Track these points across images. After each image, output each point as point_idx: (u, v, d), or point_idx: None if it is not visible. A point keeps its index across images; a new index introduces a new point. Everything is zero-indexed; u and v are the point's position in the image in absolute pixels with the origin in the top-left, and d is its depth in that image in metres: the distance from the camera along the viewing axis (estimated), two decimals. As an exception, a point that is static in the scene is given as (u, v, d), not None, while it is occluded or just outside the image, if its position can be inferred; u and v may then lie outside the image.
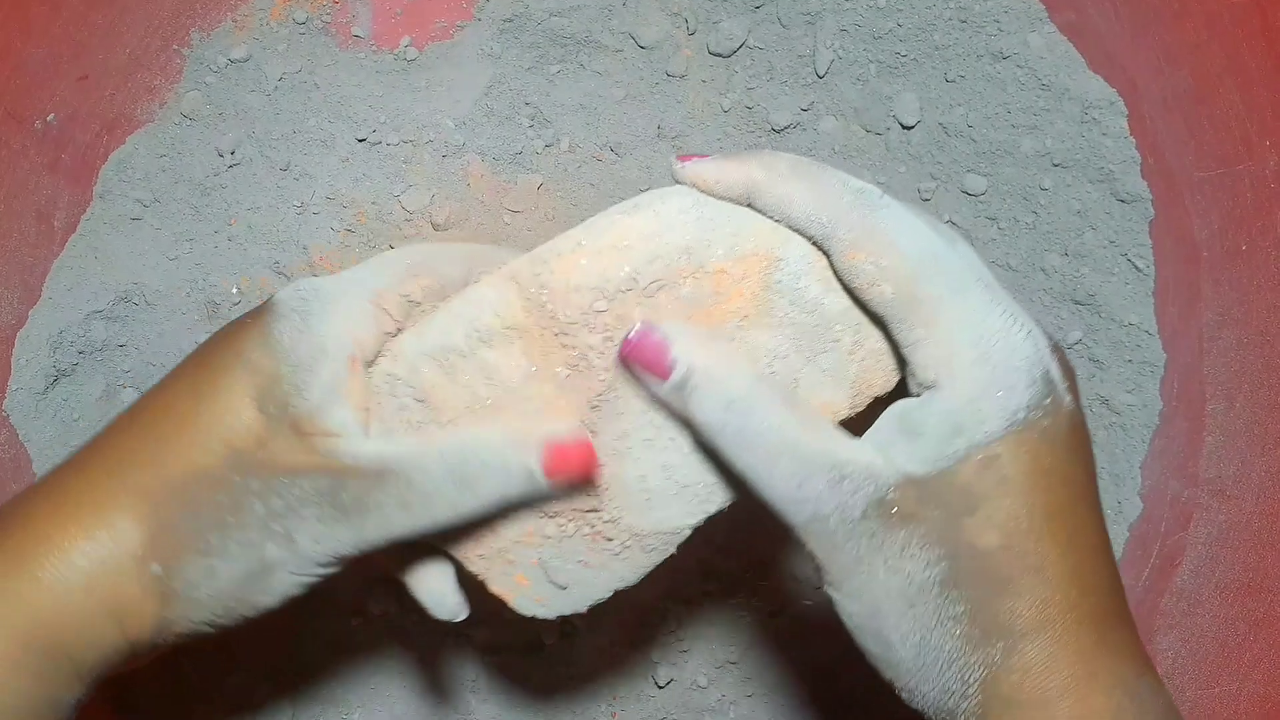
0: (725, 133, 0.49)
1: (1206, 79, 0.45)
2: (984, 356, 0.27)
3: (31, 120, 0.45)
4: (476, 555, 0.33)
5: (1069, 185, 0.48)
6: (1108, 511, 0.48)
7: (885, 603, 0.28)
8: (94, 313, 0.47)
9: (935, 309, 0.27)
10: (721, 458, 0.29)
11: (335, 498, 0.29)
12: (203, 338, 0.48)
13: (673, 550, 0.33)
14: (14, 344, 0.46)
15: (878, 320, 0.30)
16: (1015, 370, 0.27)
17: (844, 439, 0.28)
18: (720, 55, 0.49)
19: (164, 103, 0.48)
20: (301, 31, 0.48)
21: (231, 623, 0.30)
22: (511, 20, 0.48)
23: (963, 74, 0.48)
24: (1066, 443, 0.28)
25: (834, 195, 0.29)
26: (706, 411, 0.29)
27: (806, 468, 0.28)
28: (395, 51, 0.48)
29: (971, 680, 0.27)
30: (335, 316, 0.30)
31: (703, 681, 0.50)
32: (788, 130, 0.49)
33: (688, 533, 0.33)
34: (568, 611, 0.34)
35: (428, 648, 0.50)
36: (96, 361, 0.47)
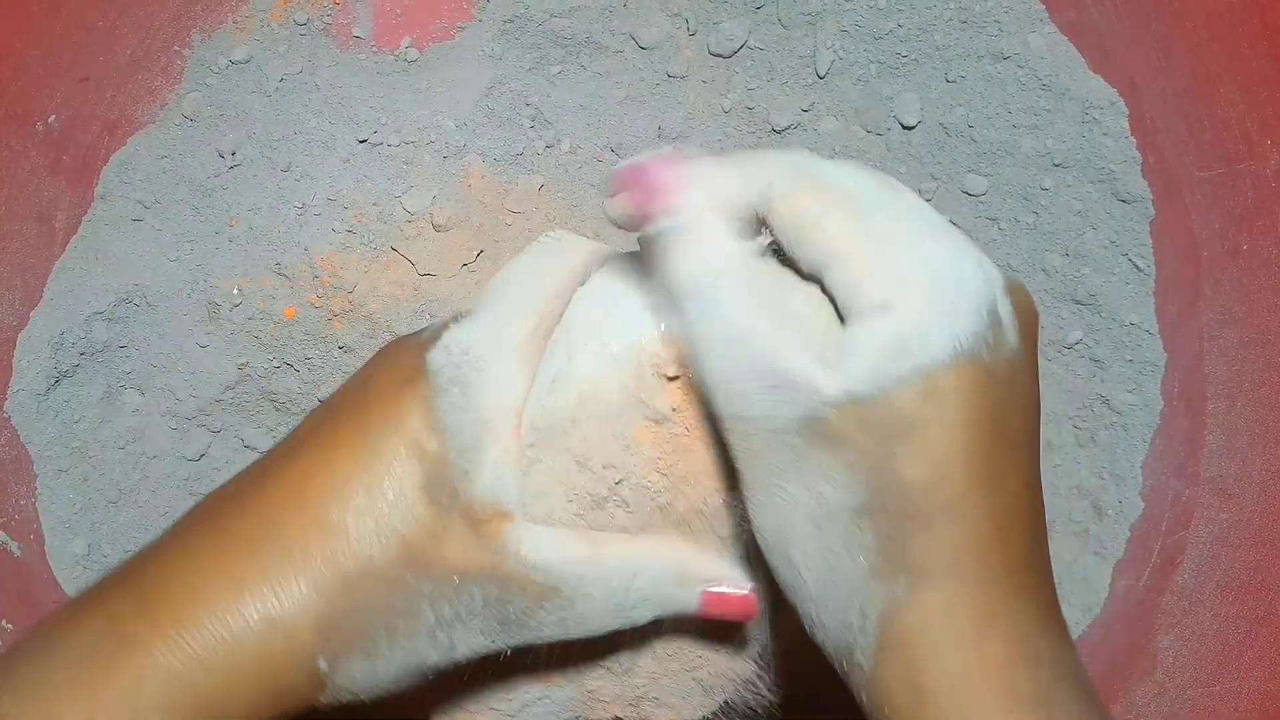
0: (726, 133, 0.49)
1: (1207, 78, 0.45)
2: (933, 280, 0.26)
3: (33, 122, 0.45)
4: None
5: (1069, 185, 0.48)
6: (1108, 512, 0.48)
7: (795, 523, 0.27)
8: (95, 314, 0.47)
9: (883, 237, 0.26)
10: (676, 320, 0.28)
11: (502, 611, 0.29)
12: (204, 338, 0.48)
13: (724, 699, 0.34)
14: (15, 345, 0.46)
15: (819, 269, 0.27)
16: (963, 297, 0.25)
17: (797, 347, 0.26)
18: (721, 56, 0.49)
19: (165, 104, 0.48)
20: (302, 33, 0.48)
21: (369, 701, 0.30)
22: (512, 21, 0.48)
23: (963, 74, 0.48)
24: (1009, 385, 0.26)
25: (769, 161, 0.28)
26: (679, 271, 0.27)
27: (748, 363, 0.26)
28: (396, 52, 0.49)
29: (870, 615, 0.26)
30: (494, 383, 0.29)
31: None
32: (788, 131, 0.49)
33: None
34: None
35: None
36: (98, 363, 0.48)
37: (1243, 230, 0.45)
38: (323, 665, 0.28)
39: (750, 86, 0.49)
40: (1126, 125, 0.47)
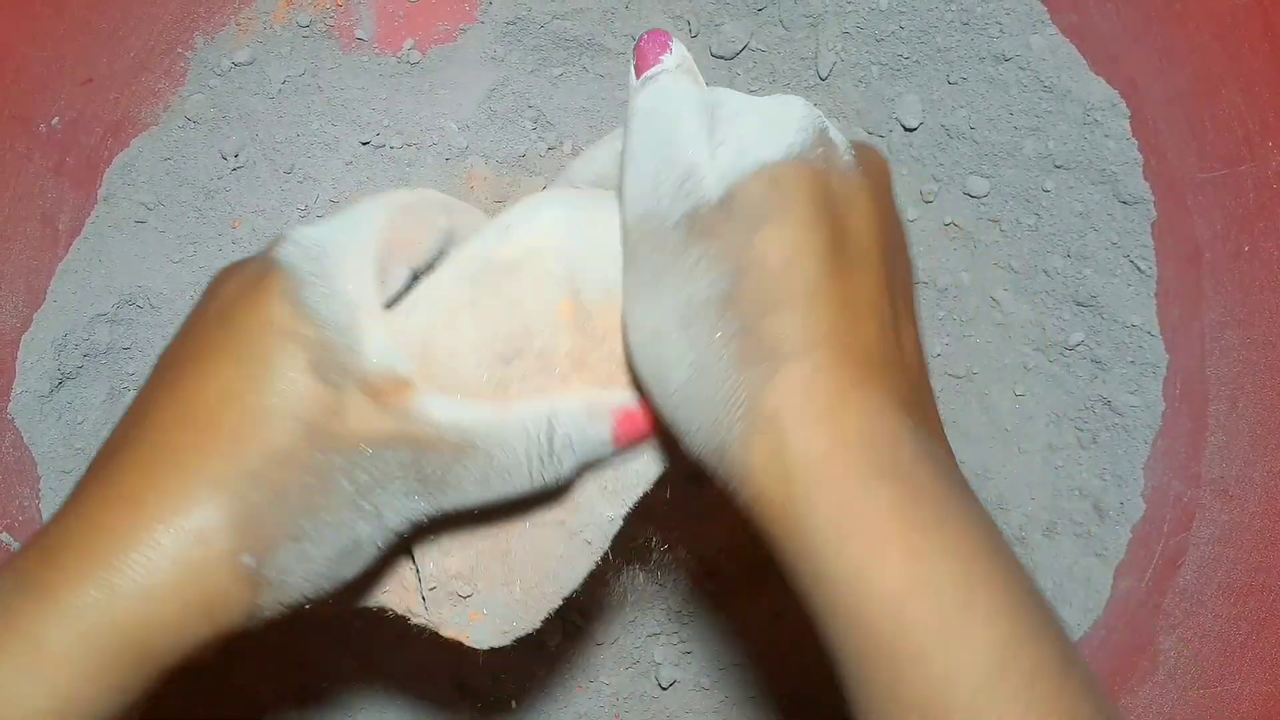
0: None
1: (1208, 80, 0.45)
2: (764, 108, 0.29)
3: (36, 124, 0.45)
4: (421, 607, 0.33)
5: (1071, 187, 0.48)
6: (1110, 513, 0.48)
7: (665, 323, 0.27)
8: (98, 316, 0.47)
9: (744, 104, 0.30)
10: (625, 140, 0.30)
11: (419, 470, 0.29)
12: (207, 341, 0.48)
13: (607, 545, 0.33)
14: (19, 347, 0.46)
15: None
16: (791, 119, 0.29)
17: (704, 148, 0.28)
18: (723, 58, 0.49)
19: (168, 106, 0.48)
20: (305, 35, 0.48)
21: (318, 600, 0.30)
22: (514, 23, 0.48)
23: (965, 76, 0.48)
24: (847, 198, 0.28)
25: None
26: (642, 95, 0.30)
27: (666, 159, 0.28)
28: (398, 54, 0.49)
29: (737, 403, 0.26)
30: (355, 275, 0.29)
31: (706, 683, 0.50)
32: (790, 132, 0.49)
33: (620, 523, 0.33)
34: (523, 632, 0.34)
35: (429, 647, 0.50)
36: (101, 365, 0.48)
37: (1244, 232, 0.45)
38: (248, 561, 0.27)
39: (752, 88, 0.49)
40: (1128, 127, 0.47)
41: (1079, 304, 0.48)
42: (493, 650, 0.46)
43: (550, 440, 0.30)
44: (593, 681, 0.50)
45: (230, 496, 0.27)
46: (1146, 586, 0.48)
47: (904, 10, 0.48)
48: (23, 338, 0.46)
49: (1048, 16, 0.48)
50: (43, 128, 0.45)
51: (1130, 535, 0.48)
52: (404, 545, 0.32)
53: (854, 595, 0.25)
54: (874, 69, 0.48)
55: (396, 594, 0.34)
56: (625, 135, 0.30)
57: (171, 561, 0.27)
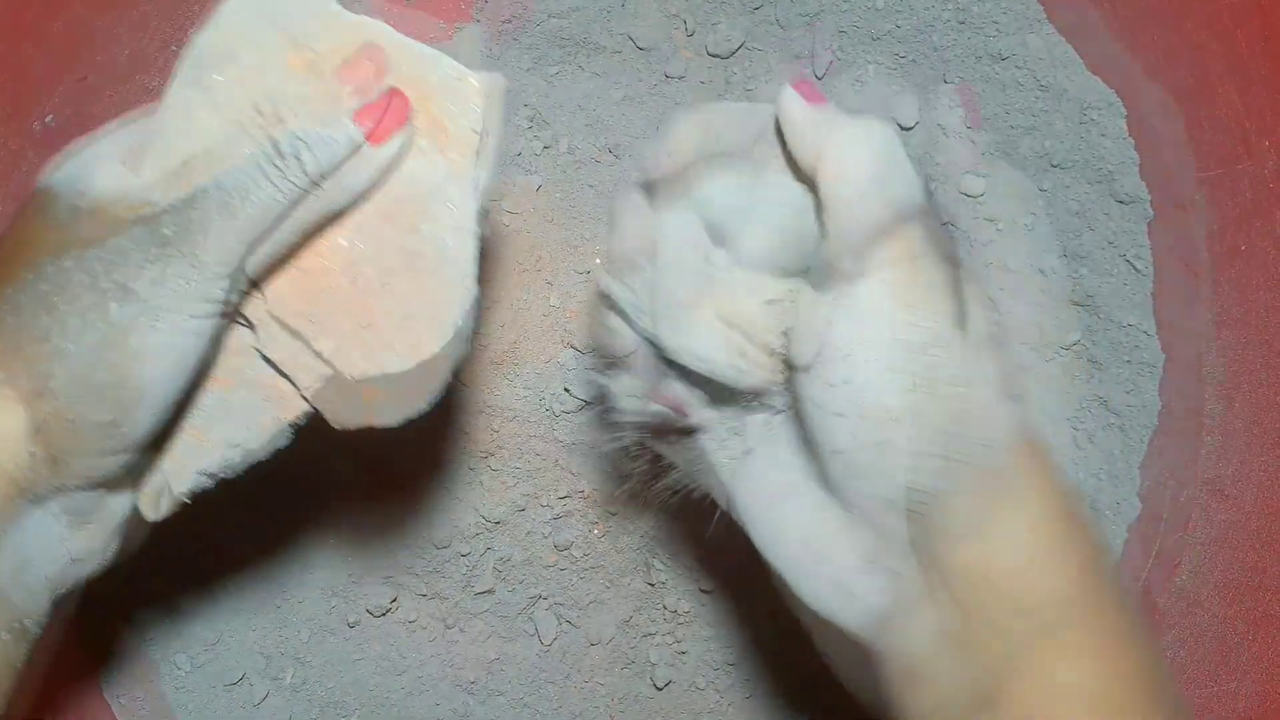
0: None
1: (1205, 79, 0.45)
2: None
3: (30, 121, 0.45)
4: (308, 390, 0.33)
5: (1067, 186, 0.48)
6: (1106, 512, 0.48)
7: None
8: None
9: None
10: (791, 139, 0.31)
11: (156, 234, 0.29)
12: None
13: (475, 249, 0.33)
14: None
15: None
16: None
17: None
18: (719, 56, 0.49)
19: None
20: (300, 33, 0.48)
21: (150, 422, 0.30)
22: (510, 22, 0.48)
23: (961, 75, 0.48)
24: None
25: None
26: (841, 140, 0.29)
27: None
28: (394, 53, 0.48)
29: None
30: (96, 161, 0.31)
31: (701, 683, 0.50)
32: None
33: (474, 215, 0.33)
34: (429, 395, 0.33)
35: (425, 647, 0.50)
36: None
37: (1241, 231, 0.44)
38: (26, 384, 0.28)
39: (748, 87, 0.49)
40: (1124, 126, 0.47)
41: (1075, 303, 0.48)
42: (493, 651, 0.46)
43: (276, 145, 0.30)
44: (588, 682, 0.50)
45: None
46: (1143, 586, 0.47)
47: (901, 9, 0.48)
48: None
49: (1045, 16, 0.47)
50: (37, 126, 0.45)
51: (1127, 535, 0.48)
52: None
53: None
54: (870, 68, 0.48)
55: (276, 408, 0.33)
56: (847, 156, 0.29)
57: None
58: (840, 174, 0.28)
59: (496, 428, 0.48)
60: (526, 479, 0.49)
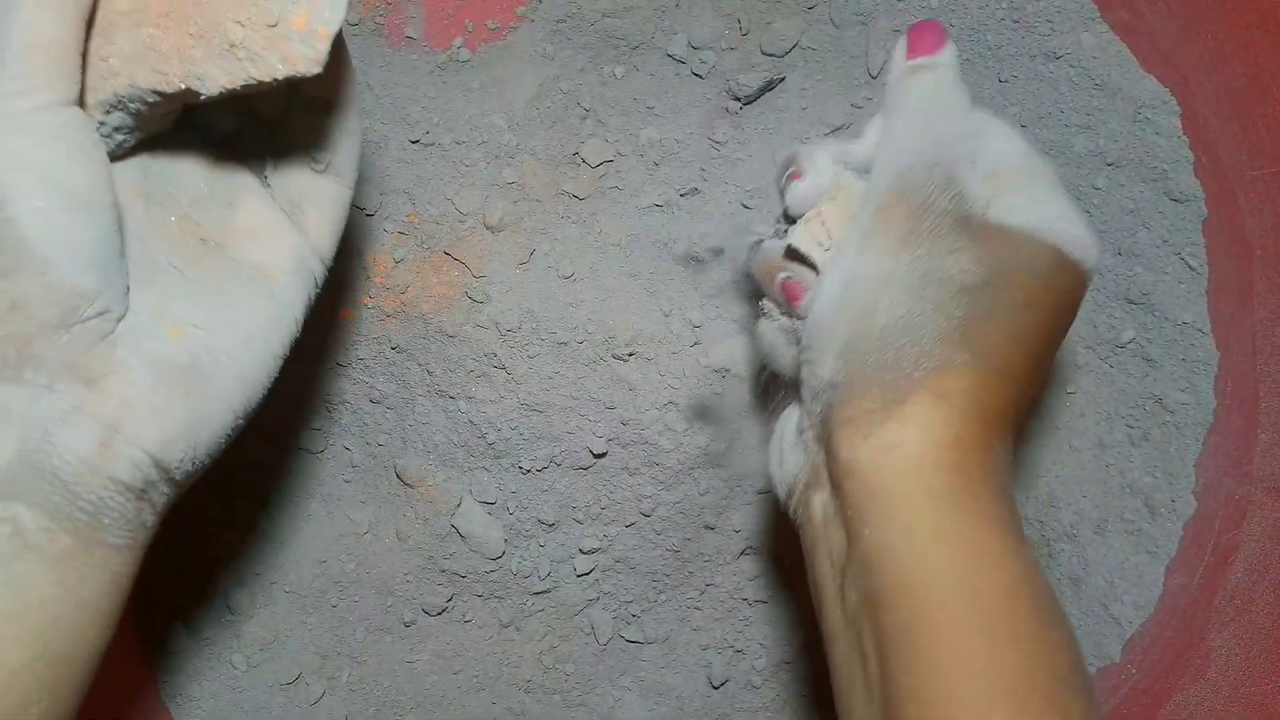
0: (778, 130, 0.49)
1: (1259, 76, 0.45)
2: (1040, 174, 0.35)
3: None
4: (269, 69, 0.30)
5: (1122, 185, 0.48)
6: (1161, 510, 0.48)
7: (899, 273, 0.32)
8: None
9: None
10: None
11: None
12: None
13: None
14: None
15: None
16: (1088, 235, 0.34)
17: (969, 165, 0.33)
18: (773, 55, 0.49)
19: (217, 105, 0.48)
20: (355, 33, 0.48)
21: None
22: (564, 21, 0.48)
23: (1016, 74, 0.48)
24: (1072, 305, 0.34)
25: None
26: (917, 82, 0.35)
27: (937, 157, 0.33)
28: (448, 52, 0.48)
29: (920, 365, 0.30)
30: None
31: (757, 681, 0.50)
32: (840, 129, 0.49)
33: None
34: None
35: (482, 646, 0.50)
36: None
37: (1298, 229, 0.45)
38: None
39: (803, 86, 0.49)
40: (1178, 124, 0.47)
41: (1130, 301, 0.48)
42: (543, 637, 0.45)
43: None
44: (644, 680, 0.50)
45: None
46: (1198, 583, 0.48)
47: (954, 8, 0.48)
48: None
49: (1099, 14, 0.48)
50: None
51: (1182, 532, 0.48)
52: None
53: (918, 570, 0.29)
54: (924, 67, 0.48)
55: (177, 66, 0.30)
56: (892, 109, 0.35)
57: None
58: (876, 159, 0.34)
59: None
60: (583, 481, 0.49)
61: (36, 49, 0.26)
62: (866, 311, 0.31)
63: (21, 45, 0.26)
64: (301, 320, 0.34)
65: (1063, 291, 0.32)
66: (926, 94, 0.34)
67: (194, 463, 0.30)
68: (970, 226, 0.31)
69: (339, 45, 0.33)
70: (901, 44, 0.36)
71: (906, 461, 0.30)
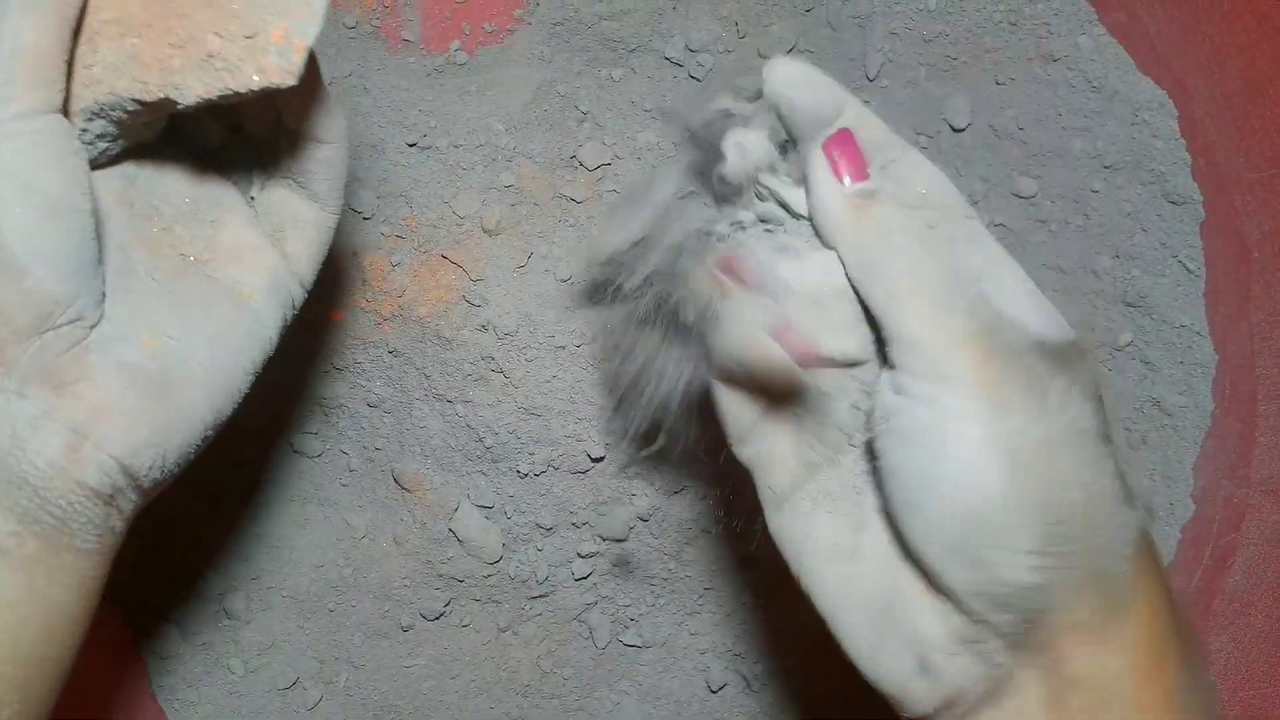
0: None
1: (1256, 79, 0.45)
2: (1026, 286, 0.30)
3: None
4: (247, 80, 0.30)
5: (1119, 187, 0.48)
6: (1159, 514, 0.48)
7: (1054, 438, 0.27)
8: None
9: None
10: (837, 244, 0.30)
11: None
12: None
13: None
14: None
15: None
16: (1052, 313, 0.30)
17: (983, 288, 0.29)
18: (770, 58, 0.48)
19: (213, 108, 0.48)
20: (351, 36, 0.48)
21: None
22: (562, 24, 0.48)
23: (1013, 76, 0.48)
24: None
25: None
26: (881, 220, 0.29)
27: (959, 283, 0.28)
28: (445, 55, 0.48)
29: (1124, 540, 0.27)
30: None
31: (756, 686, 0.50)
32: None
33: None
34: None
35: (479, 651, 0.50)
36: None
37: (1296, 232, 0.45)
38: None
39: (800, 89, 0.49)
40: (1176, 127, 0.47)
41: (1128, 304, 0.48)
42: (541, 642, 0.46)
43: None
44: (642, 684, 0.50)
45: None
46: (1196, 587, 0.48)
47: (952, 11, 0.48)
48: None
49: (1096, 17, 0.48)
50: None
51: (1180, 536, 0.48)
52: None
53: None
54: (922, 70, 0.48)
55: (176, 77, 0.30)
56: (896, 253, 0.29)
57: None
58: (901, 307, 0.28)
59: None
60: (581, 484, 0.49)
61: (21, 55, 0.27)
62: (1055, 486, 0.26)
63: (6, 52, 0.27)
64: (276, 340, 0.35)
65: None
66: (910, 225, 0.29)
67: (162, 470, 0.30)
68: (1053, 352, 0.28)
69: (315, 79, 0.33)
70: (823, 164, 0.30)
71: (1138, 658, 0.27)
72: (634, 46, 0.48)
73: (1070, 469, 0.26)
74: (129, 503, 0.30)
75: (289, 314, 0.35)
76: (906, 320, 0.28)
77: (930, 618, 0.29)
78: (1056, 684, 0.27)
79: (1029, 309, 0.28)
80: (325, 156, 0.35)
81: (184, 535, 0.48)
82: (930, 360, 0.27)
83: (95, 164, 0.32)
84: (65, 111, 0.29)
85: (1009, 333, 0.27)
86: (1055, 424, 0.27)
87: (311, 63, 0.32)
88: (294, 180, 0.35)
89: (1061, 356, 0.28)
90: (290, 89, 0.30)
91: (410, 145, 0.48)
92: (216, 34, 0.29)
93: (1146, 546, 0.28)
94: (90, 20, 0.29)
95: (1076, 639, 0.27)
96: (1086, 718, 0.27)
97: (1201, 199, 0.47)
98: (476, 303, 0.47)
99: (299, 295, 0.36)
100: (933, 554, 0.28)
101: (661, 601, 0.50)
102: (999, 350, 0.27)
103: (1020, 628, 0.27)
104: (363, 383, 0.48)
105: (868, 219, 0.29)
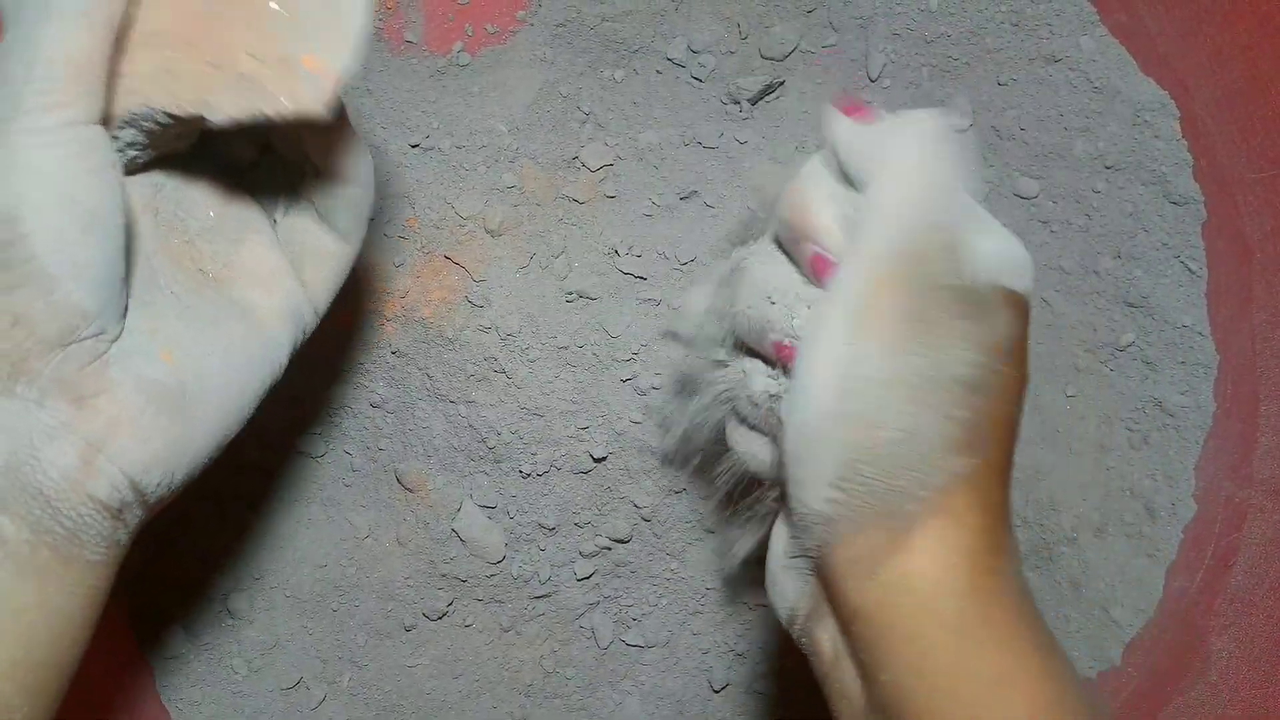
0: (778, 134, 0.49)
1: (1258, 79, 0.45)
2: (1009, 240, 0.31)
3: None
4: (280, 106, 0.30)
5: (1121, 188, 0.48)
6: (1161, 514, 0.48)
7: (901, 374, 0.27)
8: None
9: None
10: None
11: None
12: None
13: None
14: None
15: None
16: (1028, 265, 0.31)
17: (979, 231, 0.30)
18: (773, 59, 0.49)
19: (217, 109, 0.48)
20: (354, 37, 0.48)
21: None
22: (564, 25, 0.48)
23: (1015, 77, 0.48)
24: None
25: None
26: (900, 148, 0.29)
27: (937, 225, 0.28)
28: (448, 56, 0.49)
29: (928, 485, 0.27)
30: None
31: (759, 686, 0.50)
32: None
33: None
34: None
35: (482, 651, 0.50)
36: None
37: (1297, 232, 0.45)
38: None
39: (802, 89, 0.49)
40: (1178, 127, 0.47)
41: (1130, 305, 0.48)
42: (544, 642, 0.46)
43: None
44: (645, 684, 0.50)
45: None
46: (1198, 587, 0.48)
47: (953, 12, 0.48)
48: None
49: (1098, 17, 0.48)
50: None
51: (1182, 536, 0.48)
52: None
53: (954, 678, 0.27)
54: (924, 70, 0.48)
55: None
56: (885, 173, 0.29)
57: None
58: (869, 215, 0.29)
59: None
60: (583, 484, 0.49)
61: (67, 63, 0.26)
62: (870, 425, 0.27)
63: (52, 58, 0.26)
64: (285, 364, 0.35)
65: (1026, 335, 0.29)
66: (916, 156, 0.29)
67: (168, 488, 0.31)
68: (969, 298, 0.28)
69: (344, 120, 0.33)
70: (836, 116, 0.31)
71: (917, 596, 0.27)
72: (636, 47, 0.48)
73: (894, 411, 0.27)
74: (134, 517, 0.30)
75: (300, 340, 0.35)
76: (869, 222, 0.29)
77: (781, 528, 0.33)
78: (842, 613, 0.29)
79: (994, 250, 0.29)
80: (350, 195, 0.35)
81: (188, 536, 0.49)
82: (843, 273, 0.28)
83: (124, 171, 0.32)
84: (104, 121, 0.29)
85: (941, 262, 0.28)
86: (910, 363, 0.27)
87: (341, 104, 0.31)
88: (318, 211, 0.35)
89: (983, 303, 0.28)
90: (320, 119, 0.30)
91: (413, 146, 0.48)
92: (251, 55, 0.30)
93: (954, 503, 0.27)
94: (132, 31, 0.29)
95: (857, 570, 0.28)
96: (871, 642, 0.28)
97: (1203, 199, 0.47)
98: (479, 303, 0.47)
99: (312, 323, 0.36)
100: (784, 459, 0.29)
101: (664, 601, 0.50)
102: (909, 278, 0.27)
103: (816, 552, 0.29)
104: (366, 383, 0.49)
105: (891, 143, 0.29)
